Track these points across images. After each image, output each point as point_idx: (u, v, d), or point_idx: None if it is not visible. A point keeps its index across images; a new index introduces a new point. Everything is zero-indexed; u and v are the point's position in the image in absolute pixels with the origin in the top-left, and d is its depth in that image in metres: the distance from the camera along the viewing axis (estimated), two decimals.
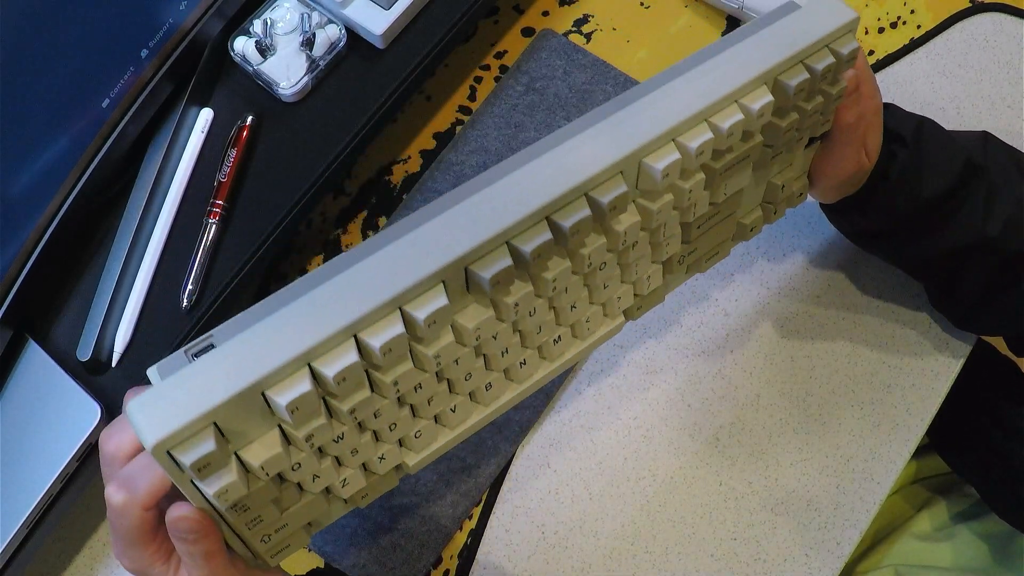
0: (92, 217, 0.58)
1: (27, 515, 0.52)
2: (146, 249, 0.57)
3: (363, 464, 0.43)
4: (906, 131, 0.53)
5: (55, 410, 0.54)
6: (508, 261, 0.39)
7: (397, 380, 0.40)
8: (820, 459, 0.60)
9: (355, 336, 0.37)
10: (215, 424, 0.35)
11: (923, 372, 0.61)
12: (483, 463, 0.58)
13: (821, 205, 0.59)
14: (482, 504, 0.59)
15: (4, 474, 0.53)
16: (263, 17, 0.60)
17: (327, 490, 0.43)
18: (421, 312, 0.38)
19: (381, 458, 0.43)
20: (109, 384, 0.55)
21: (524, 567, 0.58)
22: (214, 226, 0.57)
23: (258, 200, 0.58)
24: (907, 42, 0.69)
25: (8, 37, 0.47)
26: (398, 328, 0.37)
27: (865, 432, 0.60)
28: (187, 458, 0.34)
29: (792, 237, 0.64)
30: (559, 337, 0.46)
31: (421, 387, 0.41)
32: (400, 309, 0.38)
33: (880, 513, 0.68)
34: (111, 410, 0.54)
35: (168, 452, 0.35)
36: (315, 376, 0.37)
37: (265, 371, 0.35)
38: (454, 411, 0.45)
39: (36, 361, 0.55)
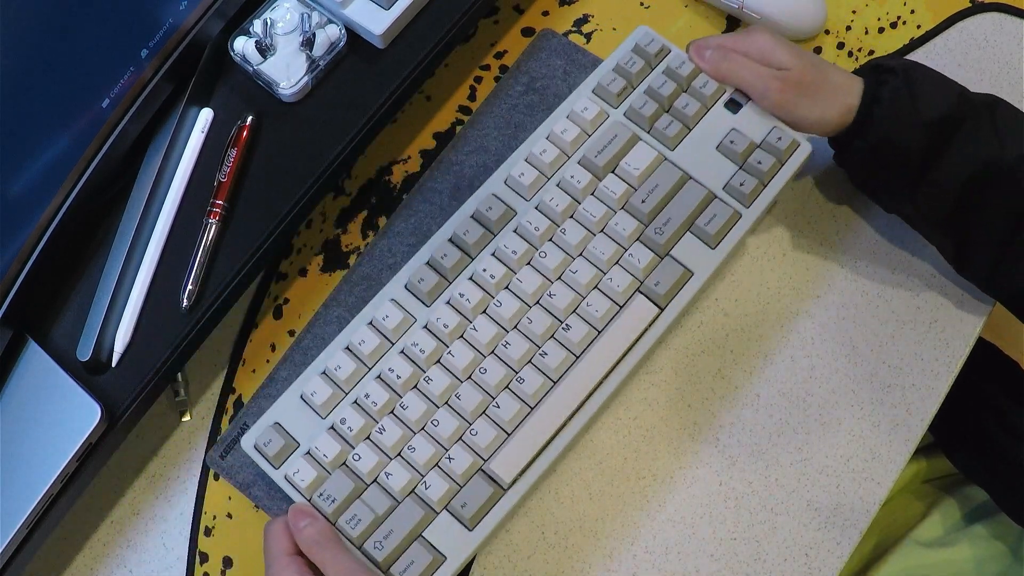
0: (92, 217, 0.58)
1: (27, 515, 0.52)
2: (146, 249, 0.57)
3: (437, 465, 0.53)
4: (895, 65, 0.56)
5: (55, 410, 0.54)
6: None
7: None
8: (820, 459, 0.60)
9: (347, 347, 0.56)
10: (280, 424, 0.54)
11: (923, 372, 0.61)
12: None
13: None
14: None
15: (4, 474, 0.53)
16: (263, 17, 0.60)
17: (419, 498, 0.52)
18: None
19: (450, 458, 0.53)
20: (109, 384, 0.55)
21: (524, 567, 0.58)
22: (214, 226, 0.57)
23: (258, 200, 0.58)
24: (907, 42, 0.69)
25: (9, 37, 0.47)
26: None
27: (865, 432, 0.60)
28: (260, 443, 0.54)
29: (792, 236, 0.64)
30: (568, 326, 0.55)
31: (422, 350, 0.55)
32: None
33: (887, 513, 0.68)
34: (111, 410, 0.54)
35: (255, 447, 0.54)
36: (329, 377, 0.55)
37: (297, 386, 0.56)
38: (499, 408, 0.54)
39: (36, 361, 0.55)
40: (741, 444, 0.60)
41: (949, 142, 0.55)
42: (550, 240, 0.57)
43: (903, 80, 0.55)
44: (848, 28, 0.69)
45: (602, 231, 0.57)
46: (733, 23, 0.69)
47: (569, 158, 0.59)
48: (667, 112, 0.60)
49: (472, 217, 0.57)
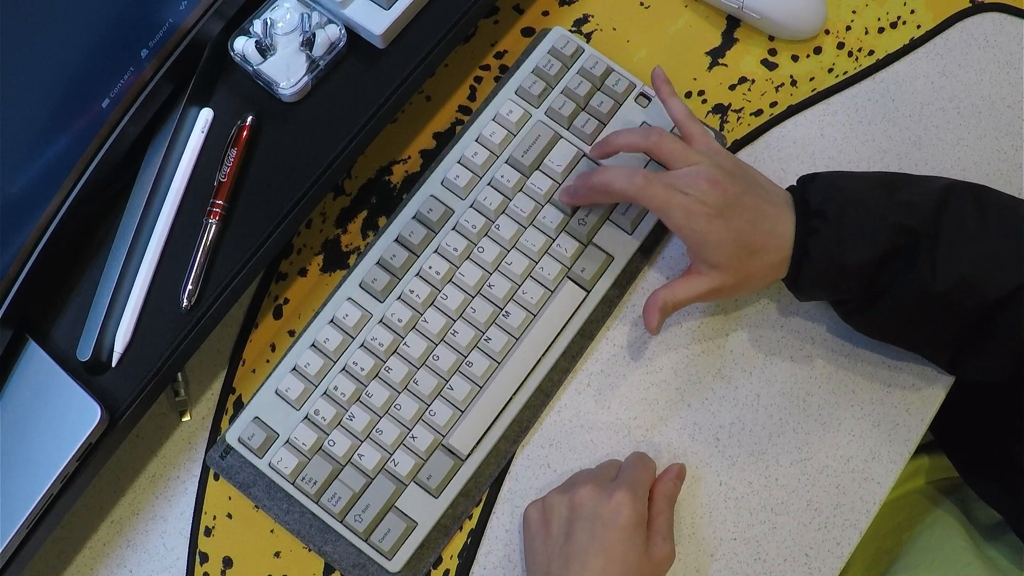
0: (92, 217, 0.58)
1: (27, 515, 0.52)
2: (146, 249, 0.57)
3: (402, 444, 0.58)
4: (829, 209, 0.54)
5: (55, 410, 0.54)
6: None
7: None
8: (820, 459, 0.60)
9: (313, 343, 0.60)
10: (259, 418, 0.59)
11: (923, 372, 0.61)
12: (483, 463, 0.59)
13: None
14: (482, 504, 0.59)
15: (4, 474, 0.53)
16: (263, 17, 0.60)
17: (390, 473, 0.58)
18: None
19: (414, 437, 0.58)
20: (109, 384, 0.55)
21: (524, 567, 0.58)
22: (214, 226, 0.57)
23: (258, 200, 0.58)
24: (907, 42, 0.69)
25: (8, 37, 0.47)
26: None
27: (865, 432, 0.60)
28: (244, 437, 0.58)
29: None
30: (507, 312, 0.60)
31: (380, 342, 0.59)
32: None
33: (889, 514, 0.67)
34: (111, 410, 0.54)
35: (239, 440, 0.58)
36: (298, 370, 0.60)
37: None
38: (452, 389, 0.59)
39: (36, 361, 0.55)
40: (741, 444, 0.60)
41: (877, 281, 0.55)
42: (486, 235, 0.61)
43: (834, 227, 0.54)
44: (848, 28, 0.69)
45: (532, 224, 0.62)
46: (733, 23, 0.69)
47: (498, 158, 0.63)
48: (584, 110, 0.64)
49: (414, 218, 0.62)
